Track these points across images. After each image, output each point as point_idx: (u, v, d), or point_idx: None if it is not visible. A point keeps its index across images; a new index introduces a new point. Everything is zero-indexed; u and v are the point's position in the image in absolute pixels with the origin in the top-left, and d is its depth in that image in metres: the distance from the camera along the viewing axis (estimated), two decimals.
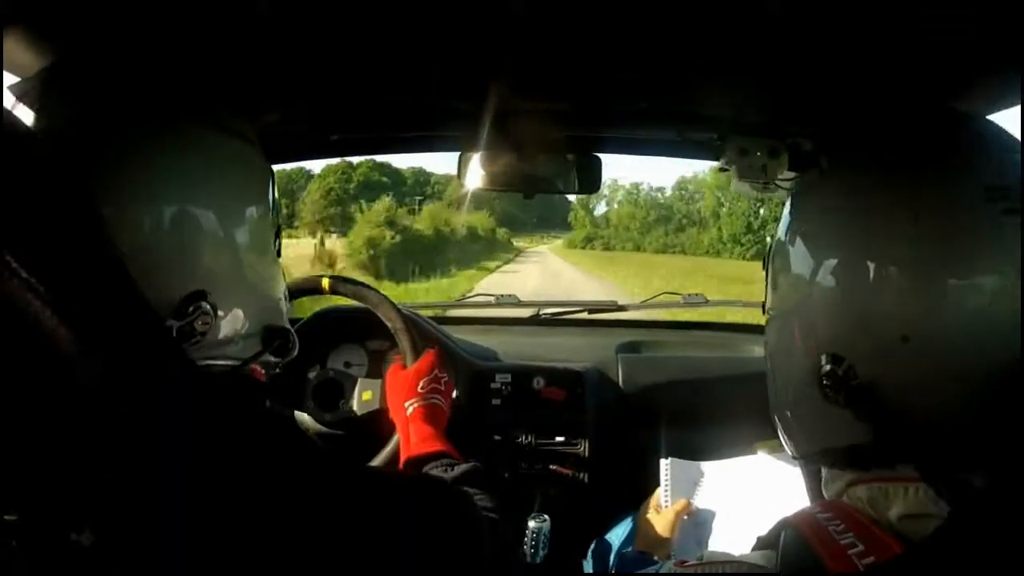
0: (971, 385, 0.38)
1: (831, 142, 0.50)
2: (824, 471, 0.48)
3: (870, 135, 0.46)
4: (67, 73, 0.48)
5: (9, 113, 0.35)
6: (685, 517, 0.85)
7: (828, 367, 0.41)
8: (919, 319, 0.39)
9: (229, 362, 0.53)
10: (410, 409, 0.83)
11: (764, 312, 0.52)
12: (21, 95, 0.46)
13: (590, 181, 1.02)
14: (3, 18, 0.48)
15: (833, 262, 0.43)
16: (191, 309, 0.47)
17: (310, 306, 1.34)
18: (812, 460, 0.50)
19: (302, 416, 1.11)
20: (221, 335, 0.51)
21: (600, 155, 1.04)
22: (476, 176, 1.00)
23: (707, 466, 0.92)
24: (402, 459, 0.78)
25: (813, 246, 0.45)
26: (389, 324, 0.95)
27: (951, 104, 0.63)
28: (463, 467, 0.68)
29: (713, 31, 0.60)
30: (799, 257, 0.46)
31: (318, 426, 1.10)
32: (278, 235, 0.61)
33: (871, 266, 0.40)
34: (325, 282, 1.00)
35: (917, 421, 0.39)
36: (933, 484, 0.37)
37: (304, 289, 1.02)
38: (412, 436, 0.80)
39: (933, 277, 0.39)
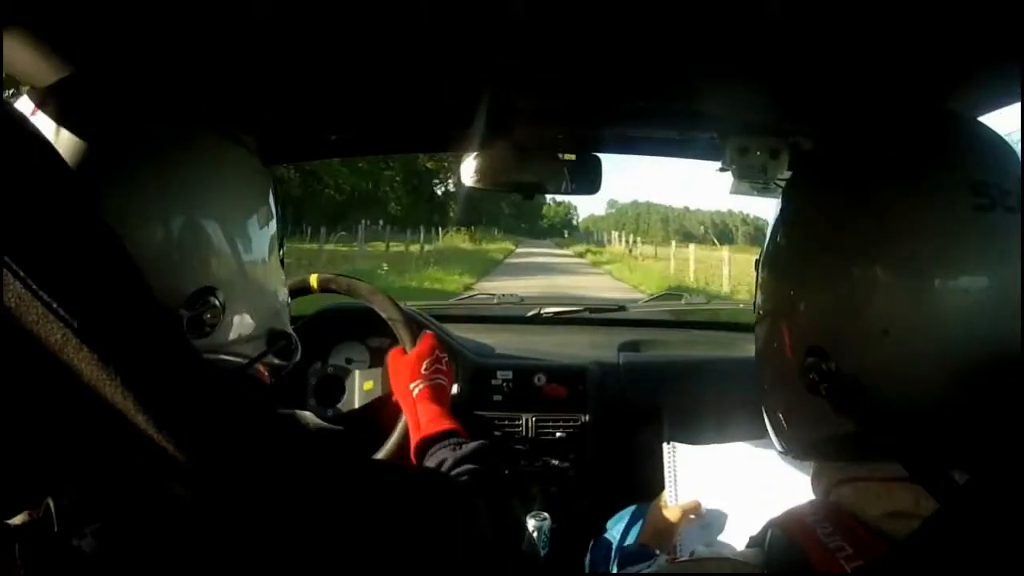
0: (951, 379, 0.38)
1: (820, 140, 0.51)
2: (813, 466, 0.49)
3: (854, 134, 0.47)
4: (77, 84, 0.49)
5: (24, 121, 0.36)
6: (692, 516, 0.85)
7: (812, 359, 0.42)
8: (899, 312, 0.39)
9: (235, 359, 0.54)
10: (416, 390, 0.84)
11: (754, 309, 0.53)
12: (37, 105, 0.47)
13: (589, 181, 1.02)
14: (3, 20, 0.48)
15: (819, 258, 0.44)
16: (199, 303, 0.49)
17: (309, 306, 1.34)
18: (799, 455, 0.51)
19: (304, 414, 1.12)
20: (228, 336, 0.53)
21: (599, 155, 1.03)
22: (475, 176, 1.00)
23: (711, 450, 0.91)
24: (413, 441, 0.78)
25: (800, 242, 0.47)
26: (384, 314, 0.95)
27: (947, 102, 0.64)
28: (471, 445, 0.69)
29: (713, 31, 0.60)
30: (787, 253, 0.48)
31: (320, 422, 1.11)
32: (281, 243, 0.62)
33: (855, 262, 0.41)
34: (313, 280, 0.99)
35: (899, 413, 0.40)
36: (917, 480, 0.38)
37: (293, 292, 0.99)
38: (421, 416, 0.81)
39: (913, 273, 0.39)
